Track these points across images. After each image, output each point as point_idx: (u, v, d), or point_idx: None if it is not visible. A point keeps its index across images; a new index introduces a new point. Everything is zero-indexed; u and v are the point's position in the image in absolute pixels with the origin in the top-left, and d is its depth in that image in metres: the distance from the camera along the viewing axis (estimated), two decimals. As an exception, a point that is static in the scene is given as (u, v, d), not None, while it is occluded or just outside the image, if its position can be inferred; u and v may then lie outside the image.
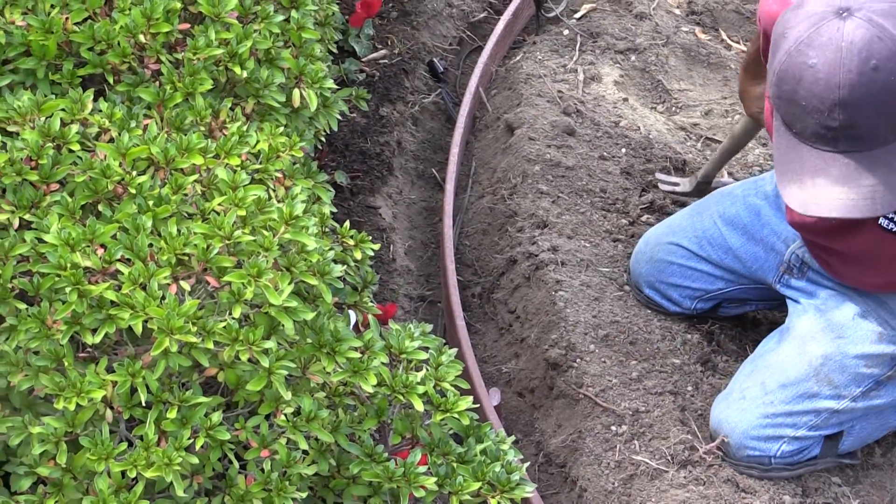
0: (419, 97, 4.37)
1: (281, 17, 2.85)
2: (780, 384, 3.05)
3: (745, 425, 3.05)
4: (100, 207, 2.39)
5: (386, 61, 4.38)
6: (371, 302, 2.82)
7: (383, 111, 4.18)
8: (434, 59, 4.47)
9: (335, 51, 3.39)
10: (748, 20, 4.73)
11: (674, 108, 4.30)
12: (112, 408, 2.24)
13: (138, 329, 2.18)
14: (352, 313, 2.77)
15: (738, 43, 4.61)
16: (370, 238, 2.74)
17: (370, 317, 2.73)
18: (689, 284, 3.43)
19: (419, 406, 2.42)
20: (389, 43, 4.46)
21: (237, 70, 2.70)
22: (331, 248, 2.52)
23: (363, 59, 4.31)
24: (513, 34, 4.71)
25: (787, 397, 3.04)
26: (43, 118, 2.49)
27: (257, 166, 2.55)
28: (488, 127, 4.27)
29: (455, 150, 4.06)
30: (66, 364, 2.23)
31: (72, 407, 2.18)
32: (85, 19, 2.70)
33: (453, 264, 3.68)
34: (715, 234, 3.36)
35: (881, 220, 2.79)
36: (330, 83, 2.89)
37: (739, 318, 3.51)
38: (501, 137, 4.13)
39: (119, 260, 2.27)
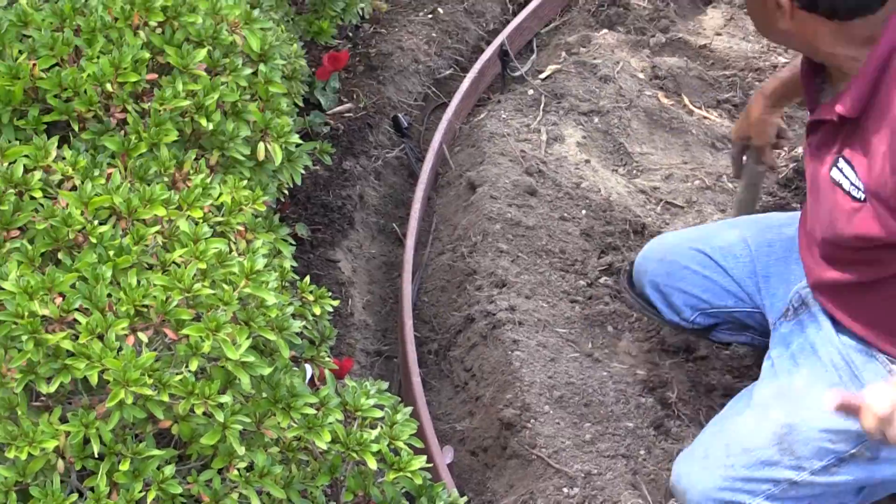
0: (383, 152, 4.40)
1: (249, 71, 2.87)
2: (743, 448, 2.98)
3: (705, 485, 2.99)
4: (60, 256, 2.39)
5: (351, 115, 4.41)
6: (328, 357, 2.83)
7: (346, 164, 4.20)
8: (399, 115, 4.50)
9: (301, 104, 3.41)
10: (711, 86, 4.79)
11: (635, 171, 4.33)
12: (64, 458, 2.22)
13: (94, 380, 2.17)
14: (308, 367, 2.78)
15: (699, 108, 4.66)
16: (329, 293, 2.75)
17: (326, 372, 2.73)
18: (699, 294, 3.33)
19: (373, 464, 2.42)
20: (355, 97, 4.49)
21: (203, 122, 2.71)
22: (290, 304, 2.52)
23: (328, 112, 4.34)
24: (478, 92, 4.76)
25: (747, 462, 2.98)
26: (6, 164, 2.49)
27: (219, 219, 2.55)
28: (450, 184, 4.30)
29: (417, 206, 4.08)
30: (19, 413, 2.21)
31: (23, 456, 2.16)
32: (52, 66, 2.71)
33: (411, 320, 3.69)
34: (744, 253, 3.27)
35: (833, 172, 2.76)
36: (295, 138, 2.91)
37: (693, 383, 3.52)
38: (463, 195, 4.15)
39: (77, 309, 2.26)
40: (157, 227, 2.44)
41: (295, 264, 2.84)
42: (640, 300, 3.45)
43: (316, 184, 4.06)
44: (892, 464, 2.91)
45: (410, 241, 3.95)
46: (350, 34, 4.79)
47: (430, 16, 5.07)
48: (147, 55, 2.75)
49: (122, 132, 2.68)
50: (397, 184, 4.40)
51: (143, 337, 2.26)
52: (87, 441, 2.21)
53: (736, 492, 2.97)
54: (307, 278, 2.74)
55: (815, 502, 2.99)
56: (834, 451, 2.91)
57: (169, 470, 2.24)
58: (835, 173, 2.74)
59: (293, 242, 2.87)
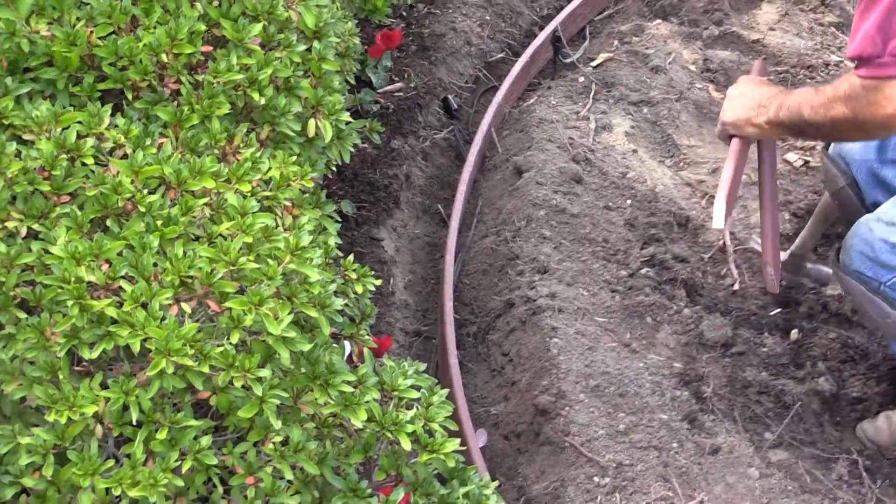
0: (431, 132, 4.41)
1: (303, 47, 2.89)
2: None
3: (869, 238, 3.08)
4: (108, 223, 2.42)
5: (401, 94, 4.42)
6: (367, 335, 2.84)
7: (394, 144, 4.21)
8: (448, 96, 4.51)
9: (352, 81, 3.42)
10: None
11: (682, 164, 4.33)
12: (102, 424, 2.25)
13: (136, 348, 2.20)
14: (347, 344, 2.80)
15: (750, 104, 4.64)
16: (372, 272, 2.76)
17: (365, 350, 2.75)
18: None
19: (406, 445, 2.43)
20: (406, 76, 4.50)
21: (255, 96, 2.72)
22: (333, 281, 2.54)
23: (379, 91, 4.35)
24: (528, 77, 4.76)
25: None
26: (59, 129, 2.52)
27: (267, 193, 2.58)
28: (497, 167, 4.30)
29: (462, 188, 4.09)
30: (60, 377, 2.25)
31: (63, 420, 2.19)
32: (109, 34, 2.73)
33: (451, 302, 3.70)
34: None
35: None
36: (346, 116, 2.92)
37: (730, 378, 3.52)
38: (509, 179, 4.15)
39: (123, 277, 2.29)
40: (206, 199, 2.47)
41: (339, 241, 2.86)
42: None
43: (363, 161, 4.08)
44: None
45: (454, 223, 3.96)
46: (404, 13, 4.79)
47: (484, -2, 5.07)
48: (203, 27, 2.77)
49: (175, 103, 2.71)
50: (444, 165, 4.41)
51: (187, 308, 2.29)
52: (126, 408, 2.24)
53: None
54: (351, 256, 2.76)
55: None
56: None
57: (206, 440, 2.27)
58: None
59: (339, 220, 2.89)
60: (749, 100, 3.19)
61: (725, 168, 3.19)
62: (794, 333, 3.66)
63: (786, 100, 3.08)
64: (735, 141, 3.24)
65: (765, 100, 3.14)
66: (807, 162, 4.33)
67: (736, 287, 3.81)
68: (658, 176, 4.20)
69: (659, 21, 4.98)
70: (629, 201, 4.03)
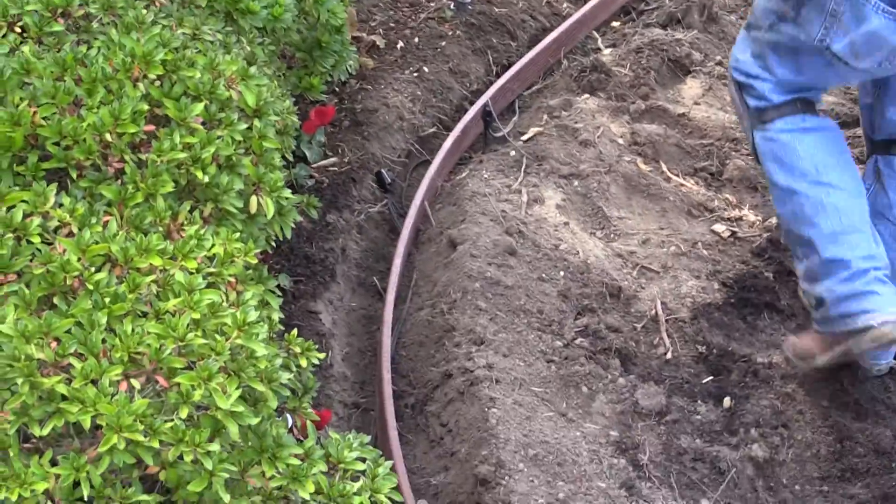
0: (365, 206, 4.46)
1: (244, 126, 2.94)
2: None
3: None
4: (56, 301, 2.44)
5: (335, 169, 4.48)
6: (310, 408, 2.88)
7: (330, 218, 4.26)
8: (382, 170, 4.56)
9: (289, 157, 3.48)
10: (688, 154, 4.87)
11: (612, 235, 4.41)
12: (53, 501, 2.26)
13: (87, 424, 2.22)
14: (289, 417, 2.82)
15: (677, 176, 4.75)
16: (315, 346, 2.80)
17: (308, 423, 2.78)
18: None
19: (354, 516, 2.47)
20: (340, 151, 4.56)
21: (199, 174, 2.77)
22: (278, 355, 2.58)
23: (314, 165, 4.40)
24: (460, 151, 4.83)
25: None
26: (5, 209, 2.54)
27: (212, 270, 2.61)
28: (431, 240, 4.36)
29: (398, 261, 4.14)
30: (10, 454, 2.26)
31: (13, 497, 2.20)
32: (53, 114, 2.76)
33: (389, 374, 3.74)
34: None
35: None
36: (287, 192, 2.98)
37: (665, 445, 3.58)
38: (444, 252, 4.21)
39: (72, 354, 2.31)
40: (153, 276, 2.50)
41: (282, 316, 2.90)
42: None
43: (300, 235, 4.12)
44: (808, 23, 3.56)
45: (390, 296, 4.00)
46: (337, 89, 4.86)
47: (415, 74, 5.15)
48: (145, 107, 2.81)
49: (120, 181, 2.74)
50: (379, 238, 4.47)
51: (136, 383, 2.31)
52: (76, 485, 2.25)
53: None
54: (295, 331, 2.80)
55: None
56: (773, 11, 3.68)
57: (156, 515, 2.29)
58: None
59: (280, 294, 2.93)
60: None
61: None
62: (727, 401, 3.74)
63: None
64: None
65: None
66: (734, 233, 4.44)
67: (669, 356, 3.89)
68: (590, 247, 4.28)
69: (587, 96, 5.09)
70: (562, 273, 4.10)
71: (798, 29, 3.60)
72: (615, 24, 6.01)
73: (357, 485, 2.52)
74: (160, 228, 2.68)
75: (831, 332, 3.63)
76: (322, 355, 2.83)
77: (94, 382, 2.27)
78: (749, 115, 3.84)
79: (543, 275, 4.07)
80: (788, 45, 3.69)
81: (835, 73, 3.71)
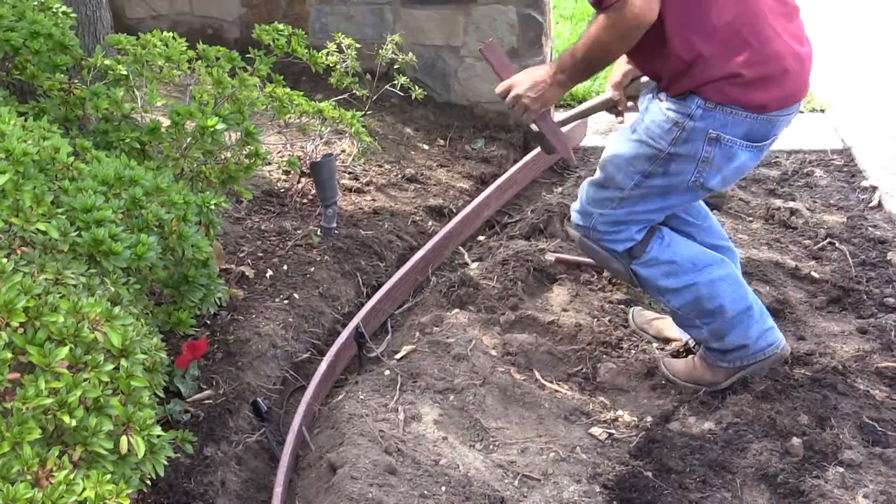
0: (243, 436, 4.44)
1: (111, 366, 2.94)
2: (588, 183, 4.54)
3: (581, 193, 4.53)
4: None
5: (211, 401, 4.47)
6: None
7: (208, 451, 4.23)
8: (258, 399, 4.56)
9: (161, 393, 3.47)
10: (560, 360, 4.96)
11: (491, 446, 4.44)
12: None
13: None
14: None
15: (551, 382, 4.82)
16: (194, 585, 2.76)
17: None
18: None
19: None
20: (214, 383, 4.56)
21: (66, 419, 2.75)
22: None
23: (188, 400, 4.38)
24: (335, 374, 4.87)
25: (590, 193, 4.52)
26: None
27: (83, 515, 2.58)
28: (311, 466, 4.34)
29: (278, 490, 4.11)
30: None
31: None
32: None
33: None
34: None
35: None
36: (157, 430, 2.96)
37: None
38: (324, 476, 4.19)
39: None
40: (21, 526, 2.46)
41: (159, 556, 2.86)
42: None
43: (177, 471, 4.08)
44: (680, 173, 4.22)
45: (273, 526, 3.96)
46: (208, 322, 4.89)
47: (286, 301, 5.21)
48: (9, 355, 2.81)
49: (-18, 434, 2.71)
50: (259, 468, 4.43)
51: None
52: None
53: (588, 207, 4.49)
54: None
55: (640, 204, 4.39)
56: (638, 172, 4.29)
57: None
58: None
59: (157, 535, 2.89)
60: (535, 71, 4.27)
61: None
62: None
63: (562, 57, 4.15)
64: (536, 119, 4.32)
65: (547, 66, 4.23)
66: (611, 434, 4.50)
67: (555, 563, 3.89)
68: (470, 460, 4.29)
69: (457, 310, 5.18)
70: (444, 488, 4.10)
71: (668, 178, 4.23)
72: (481, 238, 6.19)
73: None
74: (28, 477, 2.65)
75: (741, 366, 4.63)
76: None
77: None
78: (619, 256, 4.51)
79: (425, 491, 4.06)
80: (658, 192, 4.30)
81: (695, 196, 4.36)
